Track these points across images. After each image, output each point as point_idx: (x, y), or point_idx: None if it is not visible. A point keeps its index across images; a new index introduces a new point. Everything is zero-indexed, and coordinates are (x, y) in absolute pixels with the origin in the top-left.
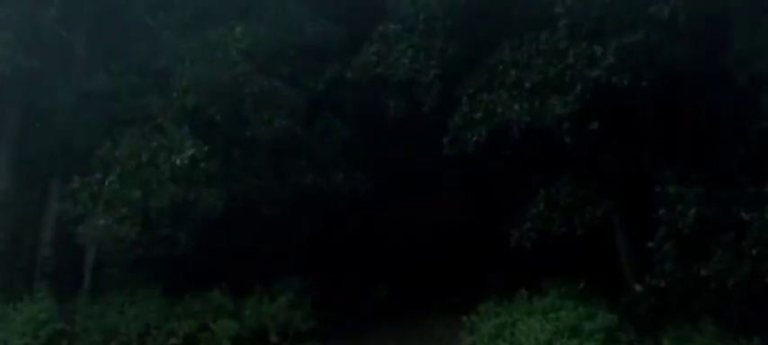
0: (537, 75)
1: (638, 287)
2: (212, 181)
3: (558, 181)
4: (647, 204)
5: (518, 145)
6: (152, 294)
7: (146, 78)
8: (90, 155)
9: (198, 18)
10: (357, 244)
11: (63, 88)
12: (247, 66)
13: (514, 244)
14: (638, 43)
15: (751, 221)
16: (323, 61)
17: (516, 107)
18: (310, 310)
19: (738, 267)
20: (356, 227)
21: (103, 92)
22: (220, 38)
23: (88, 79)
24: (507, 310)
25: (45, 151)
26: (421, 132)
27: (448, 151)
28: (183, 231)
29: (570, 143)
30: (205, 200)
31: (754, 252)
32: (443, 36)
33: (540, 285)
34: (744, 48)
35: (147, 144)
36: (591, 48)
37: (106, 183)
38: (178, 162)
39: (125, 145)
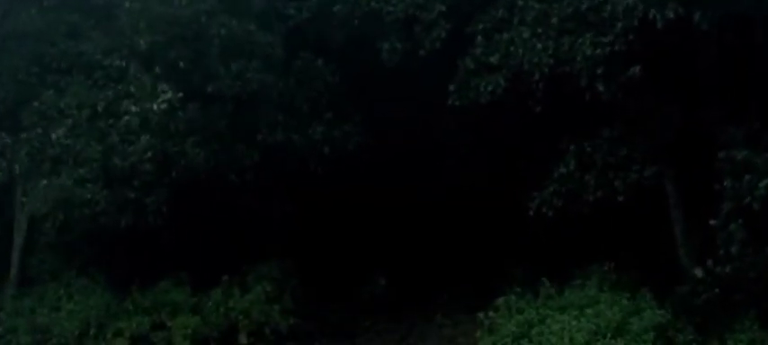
0: (566, 7)
1: (697, 274)
2: (192, 133)
3: (595, 137)
4: (709, 171)
5: (542, 97)
6: (94, 286)
7: (87, 16)
8: (20, 109)
9: None
10: (348, 223)
11: None
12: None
13: (533, 214)
14: None
15: None
16: None
17: (539, 47)
18: (291, 304)
19: None
20: (346, 202)
21: (34, 32)
22: None
23: (14, 16)
24: (534, 304)
25: None
26: (425, 79)
27: (455, 101)
28: (155, 194)
29: (605, 92)
30: (186, 155)
31: None
32: None
33: (574, 272)
34: None
35: (102, 92)
36: None
37: (53, 137)
38: (154, 107)
39: (72, 94)
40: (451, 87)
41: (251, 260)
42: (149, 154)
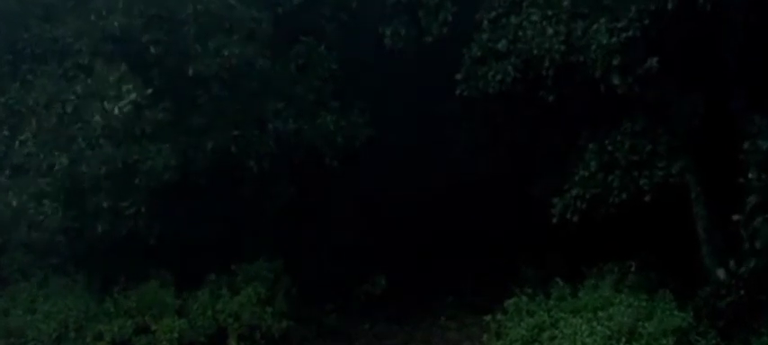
0: None
1: (721, 274)
2: (161, 136)
3: (616, 131)
4: (732, 163)
5: (554, 86)
6: (72, 285)
7: None
8: None
9: None
10: (346, 218)
11: None
12: None
13: (557, 220)
14: None
15: None
16: None
17: (551, 32)
18: (284, 306)
19: None
20: (345, 196)
21: (5, 14)
22: None
23: None
24: (545, 307)
25: None
26: (431, 67)
27: (463, 91)
28: (123, 207)
29: (620, 86)
30: (153, 163)
31: None
32: None
33: (589, 272)
34: None
35: (71, 87)
36: None
37: (16, 144)
38: (116, 111)
39: (41, 89)
40: (458, 76)
41: (241, 259)
42: (104, 169)
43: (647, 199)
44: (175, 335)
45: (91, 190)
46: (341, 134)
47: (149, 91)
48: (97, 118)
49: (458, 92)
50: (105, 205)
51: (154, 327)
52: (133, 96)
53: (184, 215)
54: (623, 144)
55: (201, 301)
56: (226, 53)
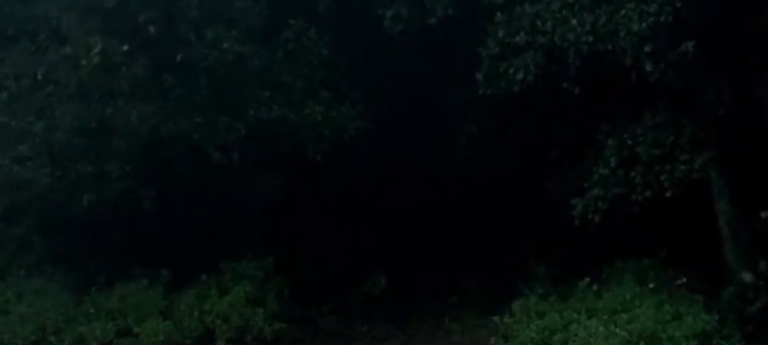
0: None
1: (747, 277)
2: (140, 93)
3: (635, 125)
4: (760, 155)
5: (578, 78)
6: (50, 285)
7: None
8: None
9: None
10: (343, 213)
11: None
12: None
13: (579, 222)
14: None
15: None
16: None
17: (574, 22)
18: (276, 307)
19: None
20: (343, 190)
21: None
22: None
23: None
24: (557, 307)
25: None
26: (435, 52)
27: (484, 90)
28: (112, 166)
29: (653, 72)
30: (131, 119)
31: None
32: None
33: (606, 271)
34: None
35: (44, 57)
36: None
37: None
38: (83, 62)
39: (12, 63)
40: (479, 76)
41: (230, 257)
42: (74, 121)
43: (667, 195)
44: (160, 338)
45: (70, 157)
46: (330, 126)
47: (125, 47)
48: (67, 73)
49: (480, 91)
50: (89, 170)
51: (137, 329)
52: (99, 48)
53: (167, 205)
54: (645, 137)
55: (188, 302)
56: (225, 46)
